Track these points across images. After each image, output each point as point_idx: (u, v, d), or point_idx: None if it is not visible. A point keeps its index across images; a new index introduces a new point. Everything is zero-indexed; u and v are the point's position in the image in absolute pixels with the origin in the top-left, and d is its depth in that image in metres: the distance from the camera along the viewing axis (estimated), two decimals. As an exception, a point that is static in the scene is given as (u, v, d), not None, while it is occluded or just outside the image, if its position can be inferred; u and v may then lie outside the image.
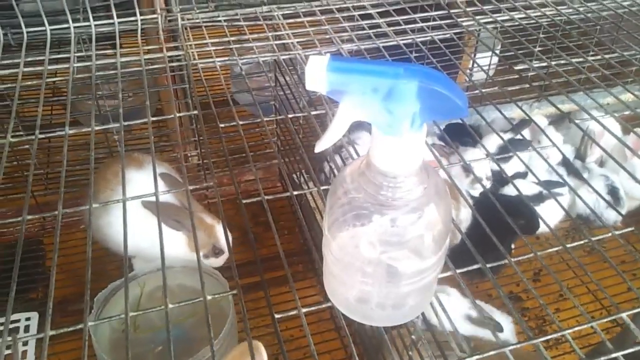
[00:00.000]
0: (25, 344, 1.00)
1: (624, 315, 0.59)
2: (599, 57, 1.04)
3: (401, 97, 0.42)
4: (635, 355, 0.54)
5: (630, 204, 1.41)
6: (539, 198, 1.23)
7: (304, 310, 0.57)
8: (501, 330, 1.00)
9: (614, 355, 0.54)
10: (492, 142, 1.34)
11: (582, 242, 0.69)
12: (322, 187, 0.72)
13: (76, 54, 0.96)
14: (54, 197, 1.45)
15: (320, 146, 0.48)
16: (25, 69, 0.93)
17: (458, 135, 1.34)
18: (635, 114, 0.90)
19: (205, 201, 1.45)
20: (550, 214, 1.27)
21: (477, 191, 1.29)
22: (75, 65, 0.92)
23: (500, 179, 1.36)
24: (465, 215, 1.17)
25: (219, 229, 1.09)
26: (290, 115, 0.85)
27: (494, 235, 0.71)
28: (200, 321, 1.01)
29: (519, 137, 1.29)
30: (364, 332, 1.01)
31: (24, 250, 1.37)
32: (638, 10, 1.18)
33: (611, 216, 1.29)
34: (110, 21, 1.02)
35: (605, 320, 0.60)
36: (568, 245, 0.68)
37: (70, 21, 1.00)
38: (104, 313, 0.98)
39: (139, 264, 1.13)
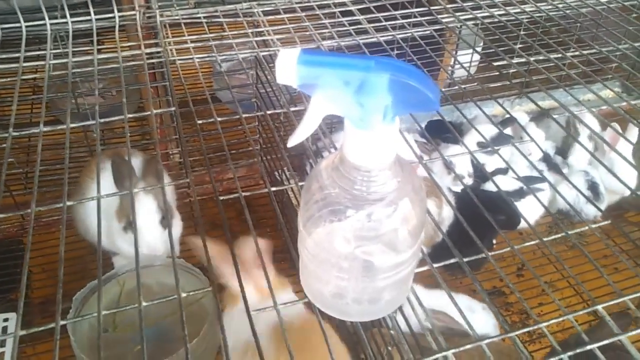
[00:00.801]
0: (2, 345, 0.99)
1: (599, 307, 0.59)
2: (578, 53, 1.04)
3: (372, 90, 0.42)
4: (610, 347, 0.54)
5: (610, 198, 1.43)
6: (520, 193, 1.24)
7: (280, 306, 0.57)
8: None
9: (589, 347, 0.54)
10: (475, 138, 1.35)
11: (559, 235, 0.69)
12: (300, 184, 0.72)
13: (53, 51, 0.95)
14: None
15: (293, 140, 0.47)
16: (0, 66, 0.92)
17: (439, 132, 1.35)
18: (614, 110, 0.90)
19: (187, 199, 1.44)
20: (531, 209, 1.29)
21: (459, 187, 1.29)
22: (52, 62, 0.91)
23: (482, 174, 1.36)
24: (447, 213, 1.17)
25: (140, 198, 0.97)
26: (269, 112, 0.85)
27: (476, 231, 0.71)
28: (178, 321, 1.00)
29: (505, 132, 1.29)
30: (344, 328, 1.00)
31: (3, 250, 1.36)
32: (616, 7, 1.19)
33: (591, 211, 1.30)
34: (88, 18, 1.01)
35: (581, 312, 0.60)
36: (546, 239, 0.68)
37: (47, 18, 0.99)
38: (82, 312, 0.97)
39: (119, 262, 1.12)
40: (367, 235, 0.50)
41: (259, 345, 0.52)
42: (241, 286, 0.57)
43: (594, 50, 1.06)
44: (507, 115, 1.12)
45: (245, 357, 0.77)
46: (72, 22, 1.00)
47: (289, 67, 0.42)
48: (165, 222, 0.98)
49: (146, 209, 0.99)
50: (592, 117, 1.02)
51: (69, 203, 0.64)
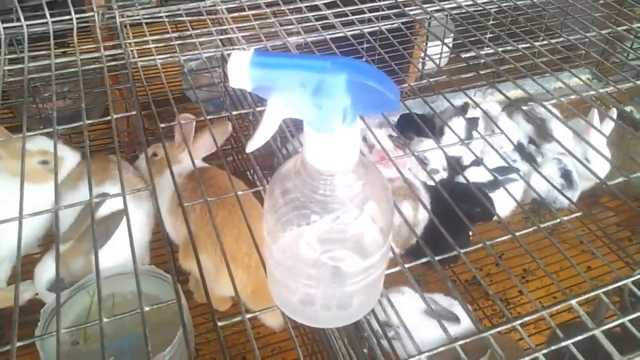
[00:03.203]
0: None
1: (573, 302, 0.58)
2: (546, 42, 1.04)
3: (330, 92, 0.40)
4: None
5: (586, 183, 1.43)
6: (494, 184, 1.23)
7: (248, 316, 0.55)
8: (458, 321, 1.00)
9: (564, 343, 0.53)
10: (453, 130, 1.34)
11: (531, 229, 0.68)
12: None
13: (8, 57, 0.91)
14: None
15: (251, 146, 0.45)
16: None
17: (414, 125, 1.33)
18: (582, 98, 0.90)
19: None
20: (507, 199, 1.28)
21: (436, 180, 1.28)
22: (6, 68, 0.87)
23: (457, 166, 1.35)
24: (423, 216, 1.16)
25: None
26: (235, 113, 0.82)
27: (453, 223, 0.71)
28: (154, 328, 0.97)
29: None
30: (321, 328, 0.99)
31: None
32: (583, -6, 1.19)
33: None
34: (44, 21, 0.97)
35: (555, 308, 0.60)
36: (518, 234, 0.68)
37: (-1, 22, 0.95)
38: (51, 325, 0.94)
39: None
40: (334, 239, 0.48)
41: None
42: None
43: (562, 39, 1.05)
44: (476, 107, 1.11)
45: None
46: (28, 25, 0.96)
47: (241, 70, 0.40)
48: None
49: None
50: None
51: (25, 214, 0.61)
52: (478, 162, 1.35)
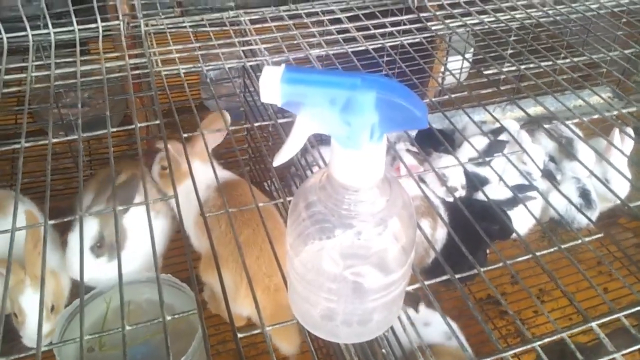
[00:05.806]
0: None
1: (593, 324, 0.58)
2: (568, 60, 1.03)
3: (359, 109, 0.41)
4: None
5: (605, 204, 1.41)
6: (513, 202, 1.22)
7: (267, 328, 0.55)
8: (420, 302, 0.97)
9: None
10: (469, 147, 1.33)
11: (552, 250, 0.68)
12: (288, 199, 0.70)
13: (35, 63, 0.93)
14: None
15: (278, 160, 0.46)
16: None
17: (432, 141, 1.33)
18: (604, 118, 0.90)
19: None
20: (524, 217, 1.27)
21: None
22: (33, 74, 0.89)
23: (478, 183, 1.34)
24: (440, 235, 1.15)
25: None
26: (256, 124, 0.83)
27: (470, 241, 0.70)
28: (169, 337, 0.98)
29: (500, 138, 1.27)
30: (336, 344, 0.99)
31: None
32: (605, 13, 1.19)
33: (584, 219, 1.28)
34: (71, 28, 0.99)
35: (576, 330, 0.59)
36: (539, 254, 0.67)
37: (28, 29, 0.96)
38: (68, 331, 0.94)
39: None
40: (356, 254, 0.48)
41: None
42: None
43: (584, 57, 1.05)
44: (497, 124, 1.11)
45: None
46: (55, 32, 0.98)
47: (272, 86, 0.41)
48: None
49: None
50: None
51: (50, 222, 0.62)
52: (485, 182, 1.34)
